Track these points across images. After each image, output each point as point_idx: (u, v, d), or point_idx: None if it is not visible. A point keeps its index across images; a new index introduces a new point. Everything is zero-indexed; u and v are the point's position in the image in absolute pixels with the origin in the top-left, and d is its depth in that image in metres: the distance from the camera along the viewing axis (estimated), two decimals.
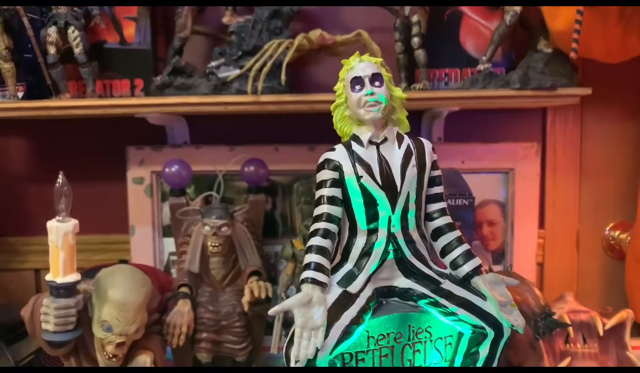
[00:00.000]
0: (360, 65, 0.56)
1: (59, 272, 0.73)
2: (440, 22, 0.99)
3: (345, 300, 0.48)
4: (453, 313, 0.48)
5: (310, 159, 1.10)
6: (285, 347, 0.46)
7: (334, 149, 0.53)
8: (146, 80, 1.00)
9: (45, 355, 0.96)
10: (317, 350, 0.44)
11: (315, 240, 0.50)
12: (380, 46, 0.94)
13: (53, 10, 0.93)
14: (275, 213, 1.15)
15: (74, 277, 0.75)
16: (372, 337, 0.49)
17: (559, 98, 0.93)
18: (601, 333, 0.89)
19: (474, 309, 0.47)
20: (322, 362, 0.44)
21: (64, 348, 0.79)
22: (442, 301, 0.48)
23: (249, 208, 0.97)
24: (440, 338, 0.51)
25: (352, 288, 0.49)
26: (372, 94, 0.53)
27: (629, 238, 1.12)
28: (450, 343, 0.50)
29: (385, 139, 0.52)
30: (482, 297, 0.47)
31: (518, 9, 0.92)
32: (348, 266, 0.50)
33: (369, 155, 0.51)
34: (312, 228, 0.51)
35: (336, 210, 0.51)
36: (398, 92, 0.58)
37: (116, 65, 1.01)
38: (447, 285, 0.49)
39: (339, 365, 0.47)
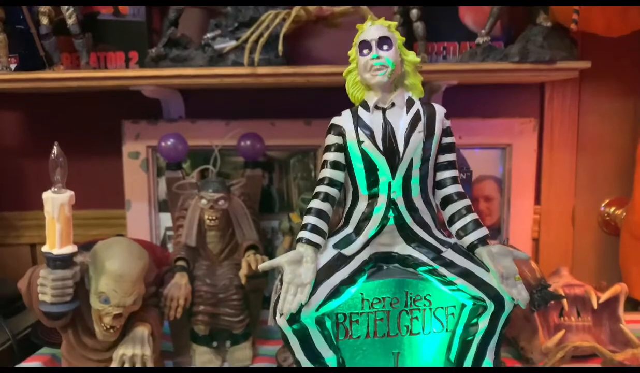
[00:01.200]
0: (370, 28, 0.55)
1: (56, 244, 0.73)
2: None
3: (339, 261, 0.49)
4: (451, 283, 0.48)
5: (307, 134, 1.10)
6: (272, 303, 0.47)
7: (340, 114, 0.53)
8: (141, 53, 0.99)
9: (41, 328, 0.96)
10: (302, 305, 0.45)
11: (315, 203, 0.51)
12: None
13: None
14: (272, 189, 1.15)
15: (70, 248, 0.74)
16: (367, 300, 0.50)
17: (558, 72, 0.93)
18: (595, 306, 0.90)
19: (474, 280, 0.47)
20: (307, 318, 0.46)
21: (62, 320, 0.79)
22: (441, 270, 0.48)
23: (246, 182, 0.97)
24: (441, 307, 0.51)
25: (348, 251, 0.49)
26: (378, 57, 0.53)
27: (624, 214, 1.12)
28: (452, 314, 0.50)
29: (393, 104, 0.51)
30: (485, 268, 0.47)
31: None
32: (348, 230, 0.51)
33: (374, 120, 0.51)
34: (314, 191, 0.51)
35: (338, 175, 0.52)
36: (411, 56, 0.57)
37: (110, 37, 1.00)
38: (448, 254, 0.48)
39: (329, 324, 0.48)
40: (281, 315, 0.45)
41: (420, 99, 0.56)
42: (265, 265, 0.49)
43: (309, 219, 0.50)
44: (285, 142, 1.10)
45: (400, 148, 0.49)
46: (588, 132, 1.16)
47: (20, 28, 0.96)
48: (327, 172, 0.52)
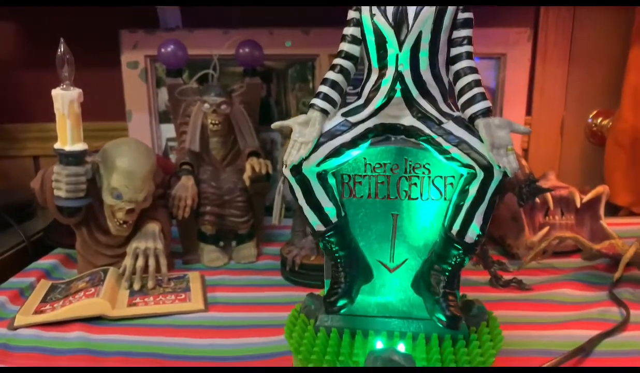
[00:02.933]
0: None
1: (67, 140, 0.75)
2: None
3: (344, 126, 0.53)
4: (446, 152, 0.51)
5: (305, 43, 1.10)
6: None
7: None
8: None
9: (53, 231, 1.01)
10: (303, 159, 0.52)
11: (330, 74, 0.55)
12: None
13: None
14: (270, 100, 1.17)
15: (81, 145, 0.77)
16: (369, 164, 0.55)
17: None
18: (578, 205, 0.96)
19: (467, 149, 0.50)
20: (308, 171, 0.53)
21: (76, 216, 0.83)
22: (438, 139, 0.51)
23: (246, 90, 0.99)
24: (440, 176, 0.54)
25: (354, 118, 0.53)
26: None
27: (611, 123, 1.16)
28: (451, 184, 0.54)
29: None
30: (482, 139, 0.50)
31: None
32: (359, 101, 0.54)
33: None
34: (331, 64, 0.55)
35: (354, 49, 0.55)
36: None
37: None
38: (448, 125, 0.51)
39: (333, 181, 0.55)
40: (286, 166, 0.52)
41: None
42: (277, 124, 0.55)
43: (322, 88, 0.54)
44: (283, 51, 1.11)
45: (410, 20, 0.50)
46: (581, 44, 1.18)
47: None
48: (344, 46, 0.55)
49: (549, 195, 0.93)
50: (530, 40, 1.13)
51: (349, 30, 0.55)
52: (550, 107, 1.20)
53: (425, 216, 0.55)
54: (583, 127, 1.23)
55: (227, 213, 0.95)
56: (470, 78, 0.52)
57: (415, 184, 0.55)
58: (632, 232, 1.03)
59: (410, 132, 0.53)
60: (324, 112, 0.53)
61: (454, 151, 0.51)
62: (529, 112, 1.19)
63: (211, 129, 0.92)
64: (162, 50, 0.95)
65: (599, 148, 1.22)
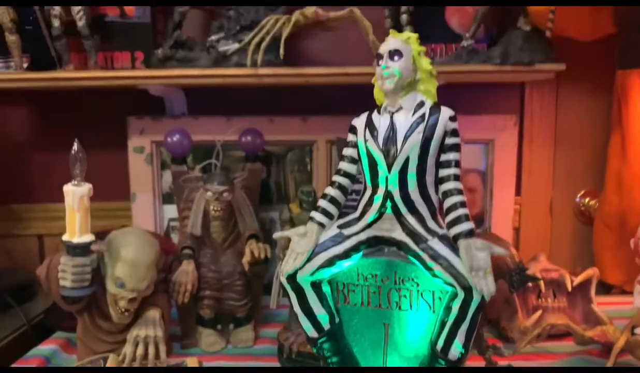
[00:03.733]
0: (385, 43, 0.62)
1: (75, 233, 0.78)
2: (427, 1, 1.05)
3: (338, 238, 0.58)
4: (430, 268, 0.54)
5: (303, 130, 1.16)
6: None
7: (359, 116, 0.61)
8: (146, 53, 1.04)
9: (54, 314, 1.02)
10: (297, 269, 0.56)
11: (328, 190, 0.62)
12: (371, 22, 1.00)
13: None
14: (270, 182, 1.21)
15: (89, 237, 0.80)
16: (362, 274, 0.59)
17: (536, 73, 1.00)
18: (569, 288, 0.98)
19: (449, 268, 0.53)
20: (303, 280, 0.57)
21: (79, 303, 0.85)
22: (424, 255, 0.54)
23: (247, 175, 1.03)
24: (429, 290, 0.57)
25: (347, 231, 0.58)
26: (386, 68, 0.60)
27: (597, 205, 1.20)
28: (440, 298, 0.57)
29: (401, 108, 0.58)
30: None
31: None
32: (355, 214, 0.59)
33: (381, 121, 0.58)
34: (331, 180, 0.62)
35: (351, 168, 0.62)
36: (425, 63, 0.62)
37: (117, 38, 1.04)
38: (433, 242, 0.54)
39: (328, 290, 0.58)
40: (282, 275, 0.58)
41: (435, 103, 0.62)
42: (278, 234, 0.60)
43: (321, 202, 0.60)
44: (283, 137, 1.16)
45: (398, 146, 0.55)
46: (565, 128, 1.24)
47: (29, 28, 1.01)
48: (342, 165, 0.62)
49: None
50: (517, 125, 1.19)
51: (347, 151, 0.60)
52: (539, 187, 1.25)
53: (416, 328, 0.58)
54: (571, 206, 1.27)
55: (226, 297, 0.97)
56: (456, 199, 0.56)
57: (405, 295, 0.58)
58: (624, 312, 1.04)
59: (400, 245, 0.56)
60: (321, 225, 0.57)
61: (437, 268, 0.54)
62: (518, 192, 1.23)
63: (213, 214, 0.96)
64: (168, 139, 1.00)
65: (588, 227, 1.25)
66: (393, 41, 0.62)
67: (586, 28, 0.98)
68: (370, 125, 0.58)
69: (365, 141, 0.57)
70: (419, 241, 0.55)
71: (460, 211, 0.55)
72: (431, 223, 0.56)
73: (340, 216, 0.59)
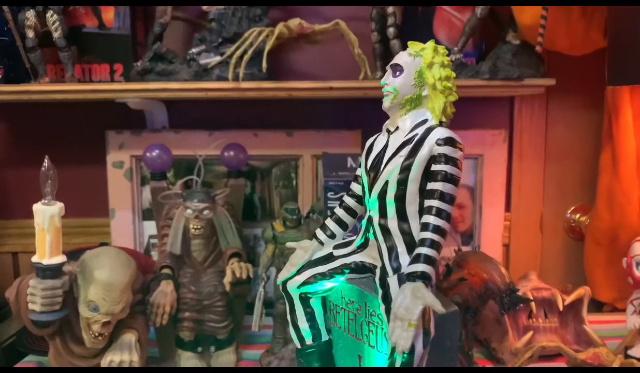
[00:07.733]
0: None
1: (45, 254, 0.75)
2: (414, 14, 1.03)
3: (326, 258, 0.58)
4: (379, 305, 0.51)
5: (288, 144, 1.13)
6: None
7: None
8: (125, 65, 1.01)
9: (27, 336, 0.97)
10: (286, 279, 0.58)
11: (336, 209, 0.61)
12: (357, 35, 0.98)
13: None
14: (254, 197, 1.18)
15: (60, 258, 0.76)
16: (344, 298, 0.58)
17: (526, 88, 0.99)
18: (561, 308, 0.96)
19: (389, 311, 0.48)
20: (292, 290, 0.58)
21: (50, 328, 0.81)
22: (380, 292, 0.51)
23: (230, 192, 1.00)
24: None
25: (338, 252, 0.56)
26: (385, 85, 0.57)
27: (588, 221, 1.19)
28: None
29: (398, 128, 0.54)
30: None
31: None
32: (354, 236, 0.57)
33: (380, 142, 0.55)
34: (341, 199, 0.62)
35: (357, 188, 0.60)
36: (430, 77, 0.57)
37: (95, 49, 1.01)
38: (391, 280, 0.50)
39: (318, 306, 0.58)
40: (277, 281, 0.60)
41: (441, 122, 0.58)
42: (291, 244, 0.63)
43: (327, 221, 0.61)
44: (268, 152, 1.14)
45: (380, 169, 0.52)
46: (555, 143, 1.22)
47: (3, 39, 0.98)
48: (352, 186, 0.61)
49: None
50: (506, 141, 1.17)
51: (358, 171, 0.58)
52: (529, 203, 1.23)
53: (378, 365, 0.54)
54: (562, 222, 1.25)
55: (207, 318, 0.93)
56: (425, 235, 0.50)
57: (372, 331, 0.54)
58: (616, 331, 1.02)
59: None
60: (321, 243, 0.56)
61: (382, 309, 0.50)
62: (507, 208, 1.22)
63: (193, 233, 0.93)
64: (147, 154, 0.97)
65: (578, 243, 1.23)
66: (400, 54, 0.59)
67: (576, 42, 0.97)
68: (371, 146, 0.55)
69: (362, 162, 0.55)
70: (383, 275, 0.51)
71: (423, 250, 0.48)
72: (403, 258, 0.51)
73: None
